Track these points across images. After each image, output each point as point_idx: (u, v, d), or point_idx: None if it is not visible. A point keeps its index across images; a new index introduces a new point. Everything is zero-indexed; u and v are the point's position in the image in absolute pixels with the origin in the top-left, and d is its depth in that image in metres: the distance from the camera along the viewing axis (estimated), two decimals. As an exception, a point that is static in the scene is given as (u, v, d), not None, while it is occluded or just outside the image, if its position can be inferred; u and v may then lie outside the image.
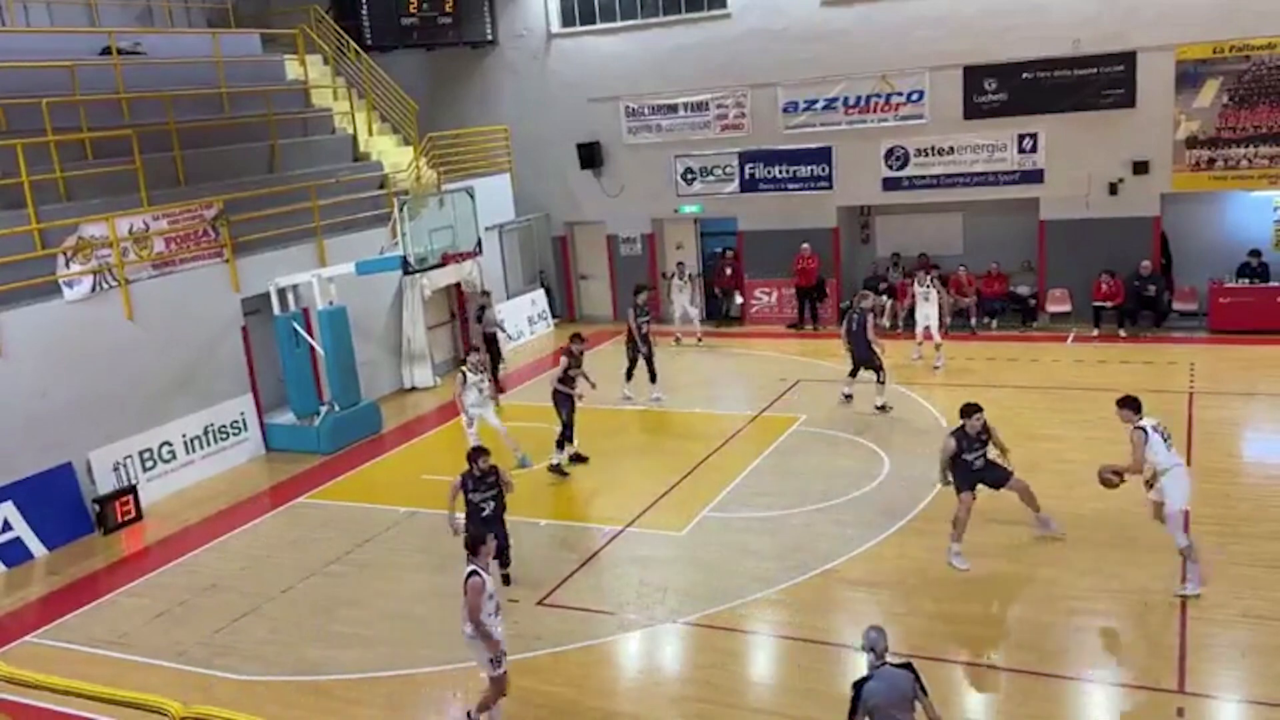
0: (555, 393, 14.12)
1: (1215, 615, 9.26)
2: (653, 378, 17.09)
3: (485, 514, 10.38)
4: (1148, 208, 19.06)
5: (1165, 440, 9.63)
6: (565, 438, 14.17)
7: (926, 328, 17.83)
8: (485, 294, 19.15)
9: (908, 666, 6.59)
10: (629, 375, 17.21)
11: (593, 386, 14.58)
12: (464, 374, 13.93)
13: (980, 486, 10.65)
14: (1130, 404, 9.91)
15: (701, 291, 22.96)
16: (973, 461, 10.54)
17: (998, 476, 10.78)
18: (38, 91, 15.21)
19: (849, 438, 14.53)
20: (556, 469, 14.04)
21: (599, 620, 10.14)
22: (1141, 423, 9.69)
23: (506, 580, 10.74)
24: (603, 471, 14.17)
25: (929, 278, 18.01)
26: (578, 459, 14.44)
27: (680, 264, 21.34)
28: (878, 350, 15.41)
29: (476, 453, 10.47)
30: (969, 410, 10.48)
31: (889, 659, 6.62)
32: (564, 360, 14.23)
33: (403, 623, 10.42)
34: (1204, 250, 19.29)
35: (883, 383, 15.47)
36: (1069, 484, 12.35)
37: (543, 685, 9.06)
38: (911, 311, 18.30)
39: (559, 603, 10.54)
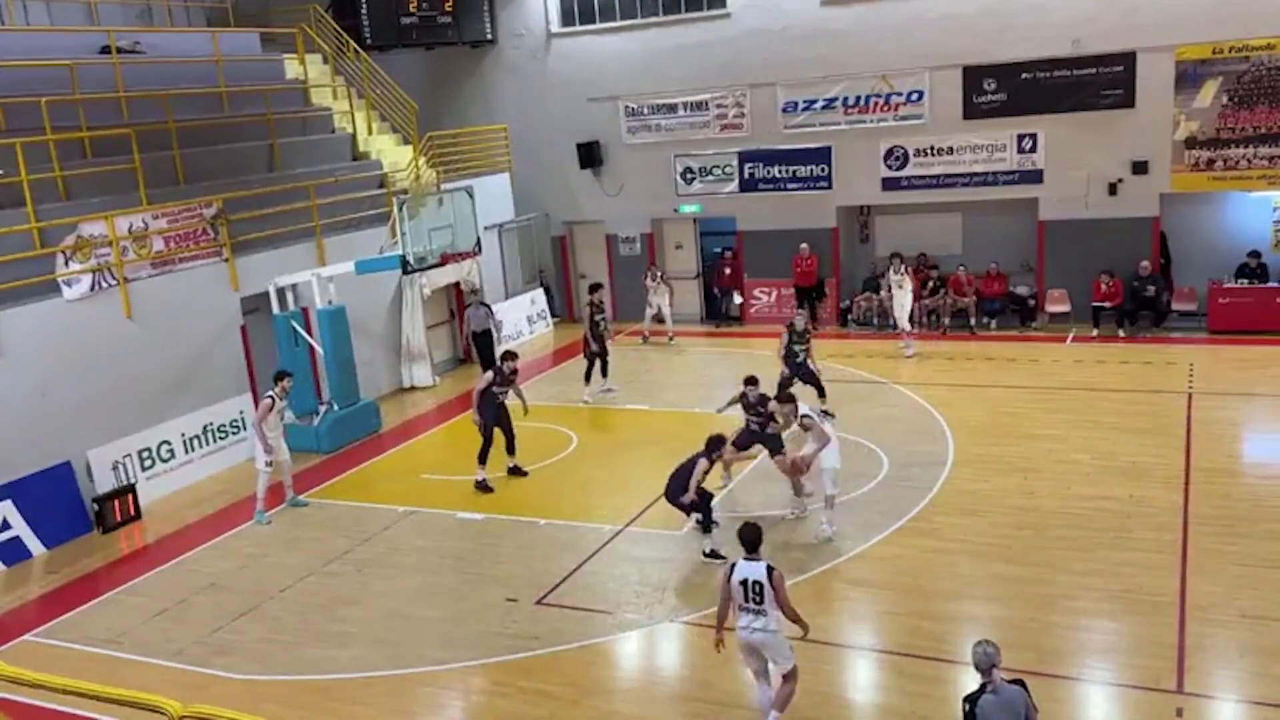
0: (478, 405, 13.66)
1: (1214, 615, 9.26)
2: (604, 371, 17.50)
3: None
4: (1147, 208, 19.07)
5: (822, 417, 11.68)
6: (483, 454, 13.65)
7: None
8: (473, 292, 19.14)
9: (1020, 683, 6.37)
10: (588, 377, 17.32)
11: (525, 412, 14.09)
12: (273, 398, 13.13)
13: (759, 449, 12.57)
14: (788, 399, 11.97)
15: (700, 291, 23.06)
16: (750, 422, 12.44)
17: (771, 446, 12.39)
18: (37, 90, 15.18)
19: (849, 438, 14.49)
20: (481, 485, 13.65)
21: (597, 620, 10.14)
22: (805, 410, 11.50)
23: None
24: (601, 471, 14.17)
25: (904, 266, 18.56)
26: (516, 472, 14.08)
27: (652, 266, 21.51)
28: (779, 363, 15.30)
29: (718, 441, 11.08)
30: (747, 380, 12.52)
31: (1000, 675, 6.38)
32: (488, 376, 13.80)
33: (401, 622, 10.41)
34: (1203, 251, 19.30)
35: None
36: (1067, 484, 12.38)
37: (541, 685, 9.06)
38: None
39: (557, 602, 10.54)
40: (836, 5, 20.26)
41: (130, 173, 15.35)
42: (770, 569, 7.75)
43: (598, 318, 17.28)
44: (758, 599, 7.75)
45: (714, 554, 10.95)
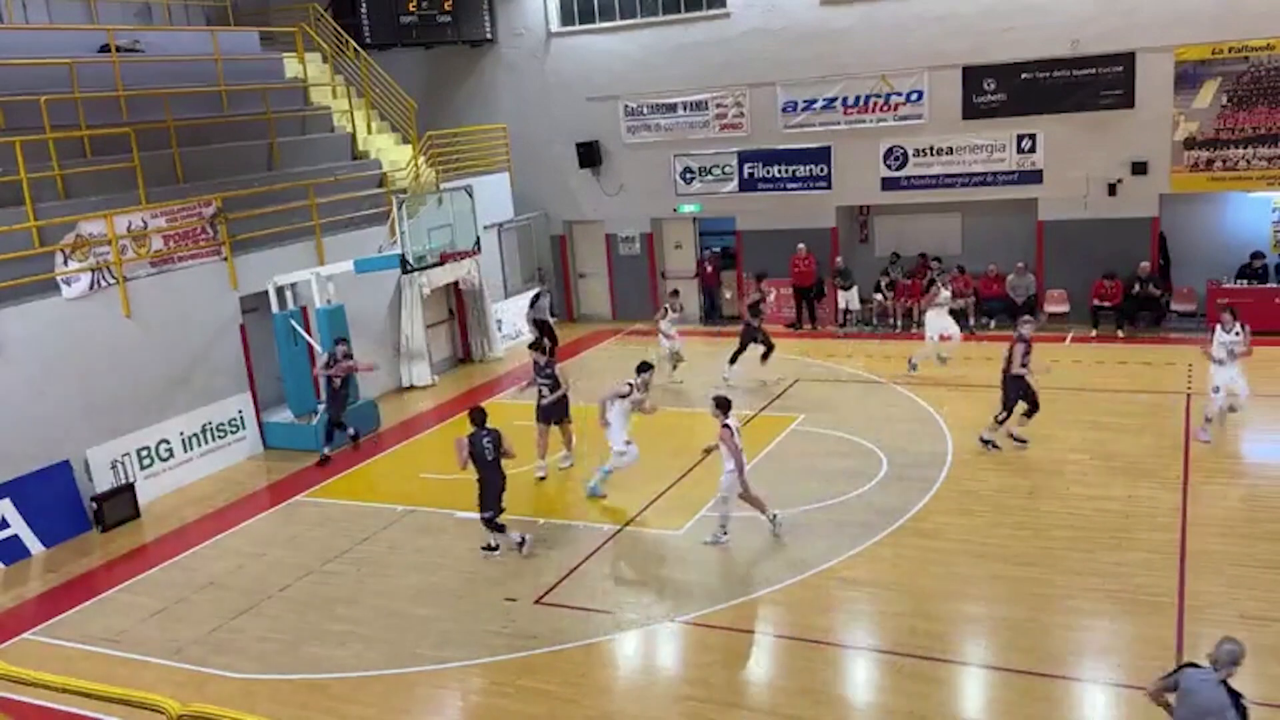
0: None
1: (1213, 616, 9.26)
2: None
3: None
4: (1146, 208, 19.07)
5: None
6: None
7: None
8: (541, 281, 19.66)
9: (1237, 695, 6.31)
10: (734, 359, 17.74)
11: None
12: (632, 386, 12.81)
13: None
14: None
15: (700, 292, 23.08)
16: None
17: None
18: (36, 89, 15.18)
19: (848, 437, 14.52)
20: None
21: (597, 619, 10.13)
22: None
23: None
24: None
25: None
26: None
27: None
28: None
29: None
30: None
31: (1227, 676, 6.32)
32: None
33: (399, 621, 10.41)
34: (1202, 251, 19.32)
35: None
36: (1067, 484, 12.38)
37: (540, 684, 9.05)
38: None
39: (557, 601, 10.53)
40: (836, 5, 20.26)
41: (129, 171, 15.34)
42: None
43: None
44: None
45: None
